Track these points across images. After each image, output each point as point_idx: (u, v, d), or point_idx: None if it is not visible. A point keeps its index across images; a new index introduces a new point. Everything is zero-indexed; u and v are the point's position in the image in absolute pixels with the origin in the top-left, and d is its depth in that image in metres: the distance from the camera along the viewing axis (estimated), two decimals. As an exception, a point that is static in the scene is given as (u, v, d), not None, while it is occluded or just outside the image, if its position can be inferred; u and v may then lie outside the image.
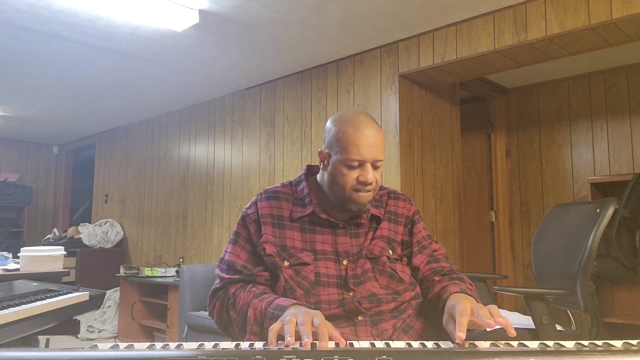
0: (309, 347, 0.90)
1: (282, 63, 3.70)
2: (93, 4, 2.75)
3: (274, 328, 0.99)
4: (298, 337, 0.94)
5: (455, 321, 1.05)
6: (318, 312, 1.04)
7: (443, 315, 1.13)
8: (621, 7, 2.39)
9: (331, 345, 0.94)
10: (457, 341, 0.99)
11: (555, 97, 4.03)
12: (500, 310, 1.06)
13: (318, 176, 1.38)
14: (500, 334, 1.84)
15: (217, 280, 1.35)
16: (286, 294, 1.24)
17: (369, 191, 1.28)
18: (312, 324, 0.97)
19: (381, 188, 1.45)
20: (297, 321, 0.97)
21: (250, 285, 1.27)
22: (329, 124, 1.32)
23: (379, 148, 1.26)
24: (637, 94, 3.65)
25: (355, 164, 1.25)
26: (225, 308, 1.29)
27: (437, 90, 3.54)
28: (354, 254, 1.30)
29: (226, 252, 1.36)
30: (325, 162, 1.33)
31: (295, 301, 1.16)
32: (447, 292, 1.20)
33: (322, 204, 1.34)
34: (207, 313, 1.38)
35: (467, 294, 1.19)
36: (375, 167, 1.28)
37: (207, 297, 1.37)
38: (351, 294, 1.24)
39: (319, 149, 1.35)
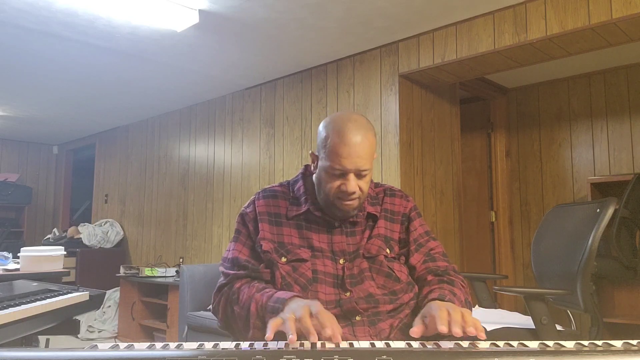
0: (315, 340, 0.93)
1: (282, 63, 3.70)
2: (93, 4, 2.75)
3: (273, 322, 1.00)
4: (299, 332, 0.96)
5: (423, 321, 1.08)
6: (315, 301, 1.06)
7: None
8: (621, 7, 2.39)
9: (331, 345, 0.95)
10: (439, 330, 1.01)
11: (555, 97, 4.03)
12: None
13: (313, 176, 1.39)
14: (500, 334, 1.84)
15: (222, 277, 1.35)
16: (283, 290, 1.24)
17: (352, 199, 1.28)
18: (311, 315, 0.98)
19: (378, 185, 1.45)
20: (296, 316, 0.99)
21: (255, 282, 1.28)
22: (320, 127, 1.32)
23: (362, 158, 1.24)
24: (637, 94, 3.64)
25: (337, 172, 1.25)
26: (229, 303, 1.29)
27: (437, 90, 3.54)
28: (351, 253, 1.30)
29: (229, 250, 1.37)
30: (314, 164, 1.35)
31: (295, 293, 1.16)
32: (426, 300, 1.20)
33: (317, 203, 1.35)
34: (207, 313, 1.38)
35: (443, 300, 1.18)
36: (359, 177, 1.27)
37: (212, 295, 1.36)
38: (348, 294, 1.25)
39: (310, 151, 1.36)
